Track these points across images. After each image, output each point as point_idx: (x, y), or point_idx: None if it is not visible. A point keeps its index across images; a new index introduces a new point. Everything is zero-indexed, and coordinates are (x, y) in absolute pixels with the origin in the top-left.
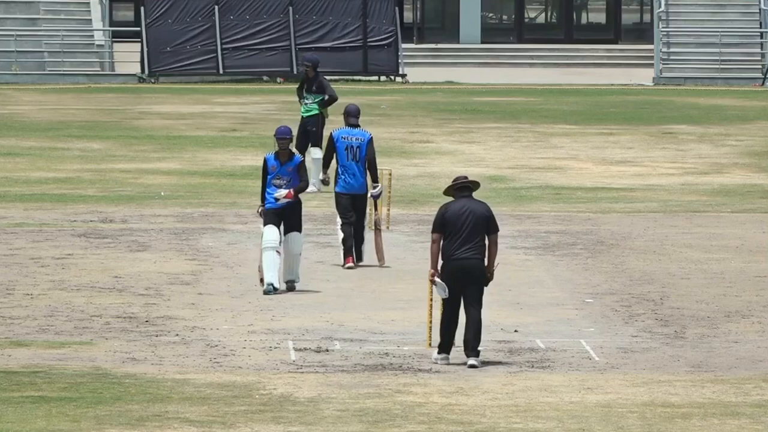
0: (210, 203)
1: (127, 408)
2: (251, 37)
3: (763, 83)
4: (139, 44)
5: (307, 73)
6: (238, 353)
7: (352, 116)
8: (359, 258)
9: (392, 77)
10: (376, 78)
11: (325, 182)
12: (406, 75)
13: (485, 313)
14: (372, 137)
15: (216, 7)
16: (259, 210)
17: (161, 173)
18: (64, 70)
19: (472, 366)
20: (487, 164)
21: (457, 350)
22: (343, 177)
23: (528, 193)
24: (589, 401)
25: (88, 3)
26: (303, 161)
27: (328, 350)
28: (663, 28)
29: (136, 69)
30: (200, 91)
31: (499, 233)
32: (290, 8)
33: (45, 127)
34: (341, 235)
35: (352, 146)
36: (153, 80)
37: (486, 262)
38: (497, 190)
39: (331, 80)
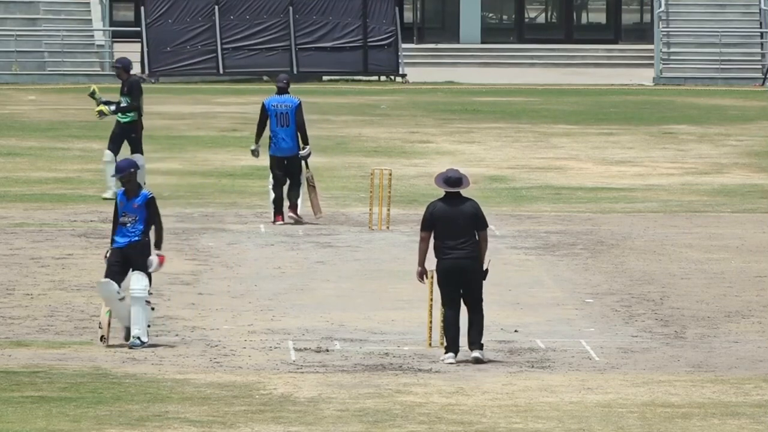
0: (210, 203)
1: (127, 408)
2: (251, 37)
3: (763, 83)
4: (139, 44)
5: (119, 75)
6: (238, 353)
7: (280, 83)
8: (294, 208)
9: (392, 77)
10: (376, 78)
11: (254, 153)
12: (406, 75)
13: (486, 314)
14: (300, 103)
15: (216, 7)
16: (107, 254)
17: (161, 173)
18: (64, 70)
19: (477, 359)
20: (487, 164)
21: (461, 348)
22: (273, 141)
23: (528, 193)
24: (589, 401)
25: (88, 3)
26: (153, 197)
27: (328, 350)
28: (663, 28)
29: (136, 69)
30: (200, 91)
31: (488, 229)
32: (290, 8)
33: (45, 127)
34: (272, 195)
35: (280, 113)
36: (153, 80)
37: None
38: (497, 190)
39: (330, 80)
